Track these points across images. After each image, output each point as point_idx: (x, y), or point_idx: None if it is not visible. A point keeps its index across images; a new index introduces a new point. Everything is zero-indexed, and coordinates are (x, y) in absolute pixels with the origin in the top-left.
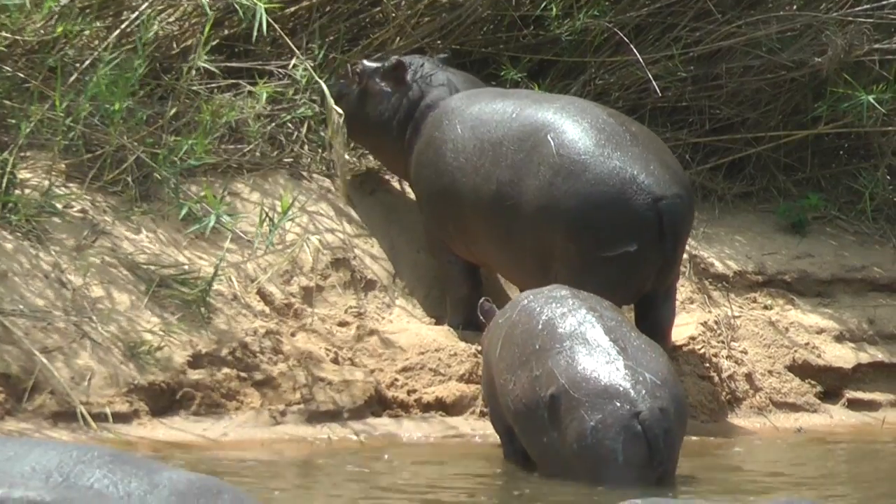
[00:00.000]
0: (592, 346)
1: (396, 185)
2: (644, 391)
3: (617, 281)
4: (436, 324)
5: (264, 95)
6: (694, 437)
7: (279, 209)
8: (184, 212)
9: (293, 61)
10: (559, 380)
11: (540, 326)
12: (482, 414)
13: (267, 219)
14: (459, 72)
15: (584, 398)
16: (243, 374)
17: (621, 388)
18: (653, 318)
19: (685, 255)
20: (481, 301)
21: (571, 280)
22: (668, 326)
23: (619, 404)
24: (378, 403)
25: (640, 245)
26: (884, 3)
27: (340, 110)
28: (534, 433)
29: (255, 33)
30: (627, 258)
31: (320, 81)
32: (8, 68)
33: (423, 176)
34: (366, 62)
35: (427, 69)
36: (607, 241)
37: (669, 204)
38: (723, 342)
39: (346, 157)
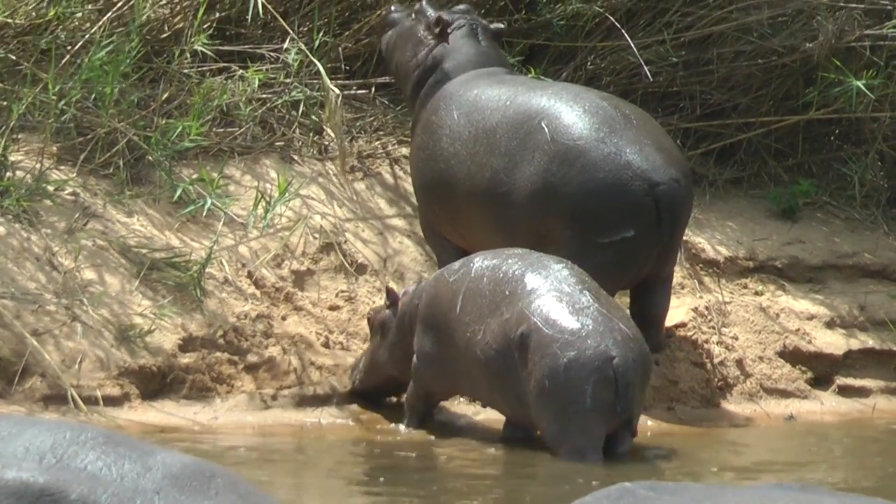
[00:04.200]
0: (565, 292)
1: (387, 168)
2: (619, 338)
3: (614, 266)
4: None
5: (256, 81)
6: (685, 423)
7: (271, 192)
8: (177, 194)
9: (287, 43)
10: (531, 318)
11: (509, 275)
12: (471, 399)
13: (262, 202)
14: (493, 48)
15: (557, 335)
16: (234, 358)
17: (596, 331)
18: (647, 304)
19: None
20: (387, 287)
21: None
22: (662, 314)
23: (593, 346)
24: None
25: (637, 231)
26: None
27: (337, 90)
28: (505, 378)
29: (250, 16)
30: (625, 244)
31: (317, 63)
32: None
33: (419, 159)
34: (426, 4)
35: (461, 35)
36: (604, 227)
37: (666, 189)
38: (713, 328)
39: (343, 136)
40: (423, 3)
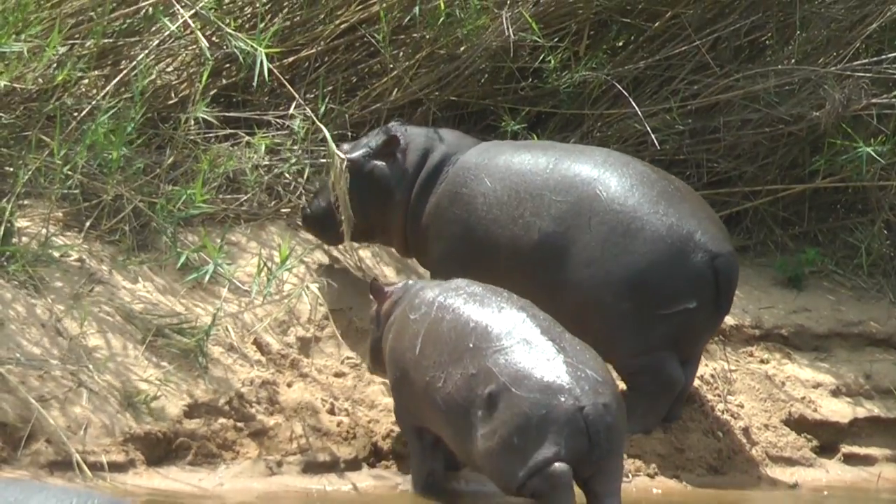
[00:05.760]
0: (530, 343)
1: None
2: (587, 387)
3: (672, 338)
4: None
5: (263, 147)
6: (690, 491)
7: (276, 259)
8: (182, 261)
9: (292, 108)
10: (499, 378)
11: (472, 324)
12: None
13: (265, 268)
14: (443, 129)
15: (525, 395)
16: (239, 425)
17: (564, 384)
18: None
19: None
20: (372, 280)
21: (623, 336)
22: (688, 387)
23: (562, 400)
24: (374, 454)
25: (698, 302)
26: (882, 57)
27: (342, 154)
28: (468, 431)
29: (255, 80)
30: (685, 315)
31: (323, 129)
32: (6, 116)
33: (450, 233)
34: (349, 154)
35: (413, 132)
36: (666, 298)
37: (725, 261)
38: (719, 396)
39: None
40: (347, 155)
